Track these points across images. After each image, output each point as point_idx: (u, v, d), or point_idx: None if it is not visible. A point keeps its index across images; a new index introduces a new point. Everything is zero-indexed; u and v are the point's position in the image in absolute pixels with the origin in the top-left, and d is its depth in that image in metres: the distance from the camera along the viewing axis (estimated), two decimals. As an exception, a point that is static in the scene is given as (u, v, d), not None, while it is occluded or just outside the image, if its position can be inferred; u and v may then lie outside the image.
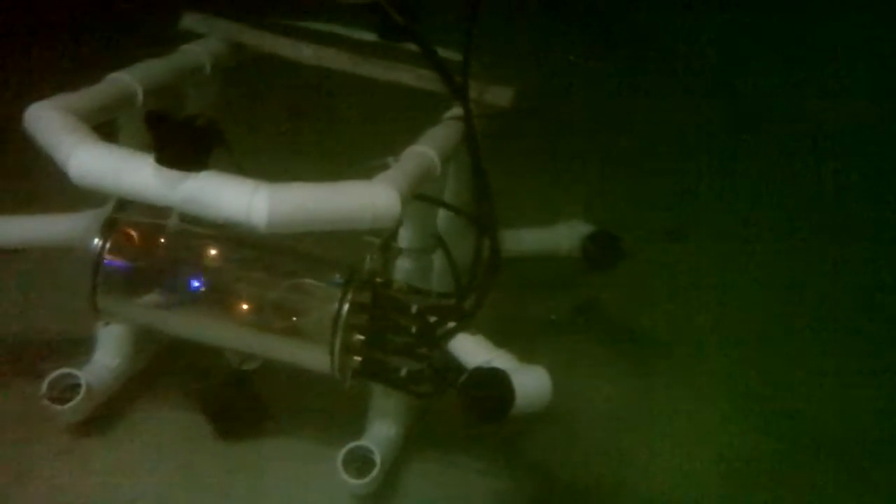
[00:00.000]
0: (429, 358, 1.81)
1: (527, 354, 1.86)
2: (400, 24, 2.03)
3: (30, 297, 2.46)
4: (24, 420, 2.10)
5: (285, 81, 2.77)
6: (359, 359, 1.80)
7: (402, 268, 2.02)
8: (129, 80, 1.99)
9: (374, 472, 1.98)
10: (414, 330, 1.81)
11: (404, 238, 2.00)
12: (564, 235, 2.60)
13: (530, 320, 2.66)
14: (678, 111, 3.66)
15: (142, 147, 1.68)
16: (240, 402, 2.13)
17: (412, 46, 2.07)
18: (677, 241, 3.12)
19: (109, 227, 1.83)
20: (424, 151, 1.95)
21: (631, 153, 3.49)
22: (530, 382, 1.75)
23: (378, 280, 1.82)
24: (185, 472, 2.06)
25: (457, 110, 2.10)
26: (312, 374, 1.84)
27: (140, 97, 1.99)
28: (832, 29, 3.83)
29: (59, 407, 2.03)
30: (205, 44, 2.26)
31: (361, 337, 1.79)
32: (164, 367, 2.27)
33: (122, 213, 1.83)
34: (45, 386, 2.04)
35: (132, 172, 1.66)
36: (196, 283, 1.81)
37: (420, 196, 1.91)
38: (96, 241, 1.82)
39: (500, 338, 1.90)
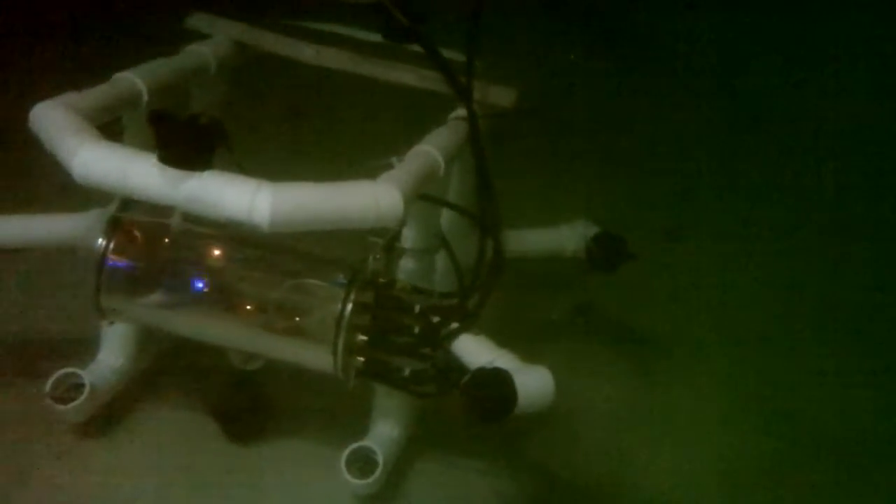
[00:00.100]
0: (432, 358, 1.81)
1: (527, 354, 1.86)
2: (404, 24, 2.02)
3: (31, 297, 2.46)
4: (25, 420, 2.10)
5: (286, 81, 2.77)
6: (362, 359, 1.79)
7: (406, 268, 2.02)
8: (134, 80, 1.99)
9: (377, 473, 1.98)
10: (417, 330, 1.81)
11: (408, 238, 2.00)
12: (569, 236, 2.56)
13: (530, 320, 2.66)
14: (678, 111, 3.65)
15: (147, 147, 1.68)
16: (247, 403, 2.13)
17: (415, 47, 2.07)
18: (677, 241, 3.12)
19: (113, 227, 1.82)
20: (428, 151, 1.94)
21: (631, 153, 3.48)
22: (533, 382, 1.74)
23: (381, 280, 1.81)
24: (185, 473, 2.06)
25: (460, 111, 2.10)
26: (315, 374, 1.83)
27: (145, 97, 1.99)
28: (832, 29, 3.82)
29: (62, 407, 2.03)
30: (210, 44, 2.26)
31: (364, 337, 1.79)
32: (164, 367, 2.27)
33: (125, 212, 1.83)
34: (48, 385, 2.04)
35: (135, 171, 1.66)
36: (199, 283, 1.81)
37: (424, 196, 1.91)
38: (100, 240, 1.81)
39: (500, 338, 1.89)
